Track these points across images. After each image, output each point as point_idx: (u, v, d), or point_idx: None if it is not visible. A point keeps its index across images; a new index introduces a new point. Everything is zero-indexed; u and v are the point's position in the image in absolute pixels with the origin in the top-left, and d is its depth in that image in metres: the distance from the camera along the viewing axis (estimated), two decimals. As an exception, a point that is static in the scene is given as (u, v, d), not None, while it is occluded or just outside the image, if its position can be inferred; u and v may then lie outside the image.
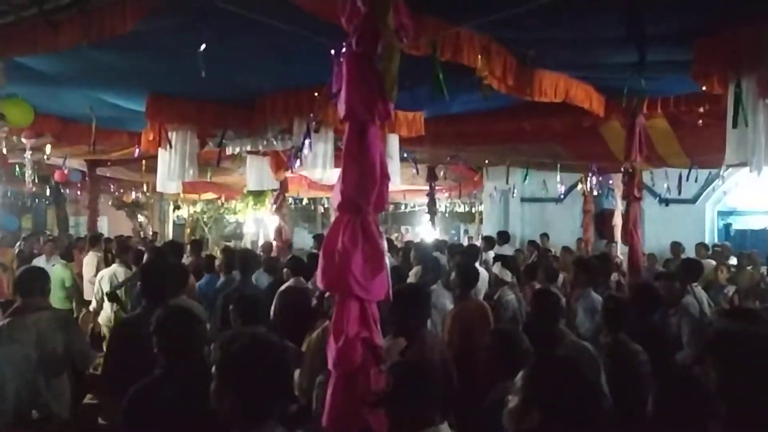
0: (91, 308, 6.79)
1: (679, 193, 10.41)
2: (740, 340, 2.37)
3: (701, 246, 9.94)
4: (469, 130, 7.38)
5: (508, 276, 5.60)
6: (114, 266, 6.72)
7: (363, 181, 2.70)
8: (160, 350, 2.69)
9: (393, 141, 6.53)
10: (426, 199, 12.57)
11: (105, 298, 6.23)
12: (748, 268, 8.29)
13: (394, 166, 6.28)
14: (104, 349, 4.28)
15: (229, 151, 7.13)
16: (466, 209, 20.35)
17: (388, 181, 2.82)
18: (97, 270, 7.45)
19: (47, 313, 3.92)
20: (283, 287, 5.09)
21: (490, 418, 2.53)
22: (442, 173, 11.64)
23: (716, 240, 12.57)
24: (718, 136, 4.72)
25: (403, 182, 10.58)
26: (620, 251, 10.29)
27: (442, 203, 18.41)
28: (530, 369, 1.76)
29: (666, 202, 11.80)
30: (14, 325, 3.69)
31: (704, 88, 4.20)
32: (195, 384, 1.86)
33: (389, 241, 6.23)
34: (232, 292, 5.26)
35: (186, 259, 7.62)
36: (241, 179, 10.95)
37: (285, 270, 5.76)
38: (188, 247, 8.36)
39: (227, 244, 14.79)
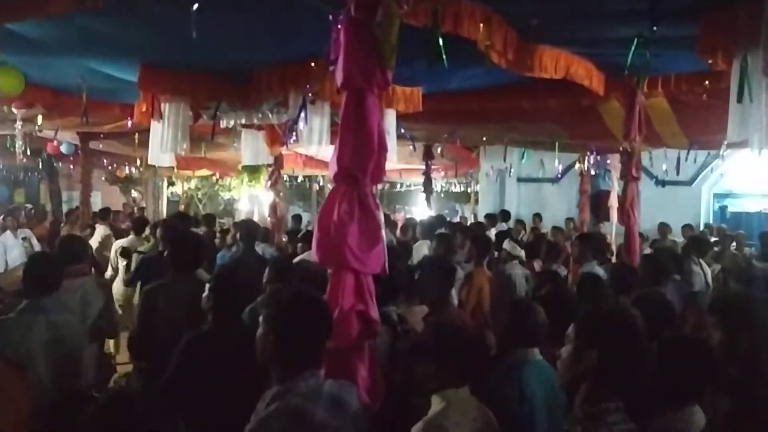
0: (107, 275, 7.08)
1: (677, 174, 10.39)
2: (744, 300, 2.47)
3: (687, 227, 10.15)
4: (467, 108, 7.29)
5: (519, 252, 5.68)
6: (130, 237, 7.17)
7: (360, 151, 2.64)
8: (216, 305, 3.04)
9: (390, 116, 6.44)
10: (422, 179, 12.49)
11: (119, 265, 6.67)
12: (732, 247, 8.55)
13: (391, 143, 6.19)
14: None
15: (223, 124, 7.01)
16: (462, 189, 20.28)
17: (386, 153, 2.76)
18: (107, 242, 8.03)
19: (90, 278, 4.25)
20: (296, 258, 5.14)
21: (499, 384, 2.60)
22: (439, 150, 11.54)
23: (711, 222, 12.63)
24: (717, 117, 4.65)
25: (399, 161, 10.49)
26: (614, 231, 10.33)
27: (438, 183, 18.34)
28: (582, 318, 1.95)
29: (662, 183, 11.78)
30: (61, 290, 3.73)
31: (709, 62, 4.11)
32: (238, 339, 2.15)
33: (386, 216, 6.50)
34: (235, 260, 5.41)
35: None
36: (235, 156, 10.83)
37: (300, 244, 6.21)
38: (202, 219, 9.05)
39: (220, 221, 14.77)
